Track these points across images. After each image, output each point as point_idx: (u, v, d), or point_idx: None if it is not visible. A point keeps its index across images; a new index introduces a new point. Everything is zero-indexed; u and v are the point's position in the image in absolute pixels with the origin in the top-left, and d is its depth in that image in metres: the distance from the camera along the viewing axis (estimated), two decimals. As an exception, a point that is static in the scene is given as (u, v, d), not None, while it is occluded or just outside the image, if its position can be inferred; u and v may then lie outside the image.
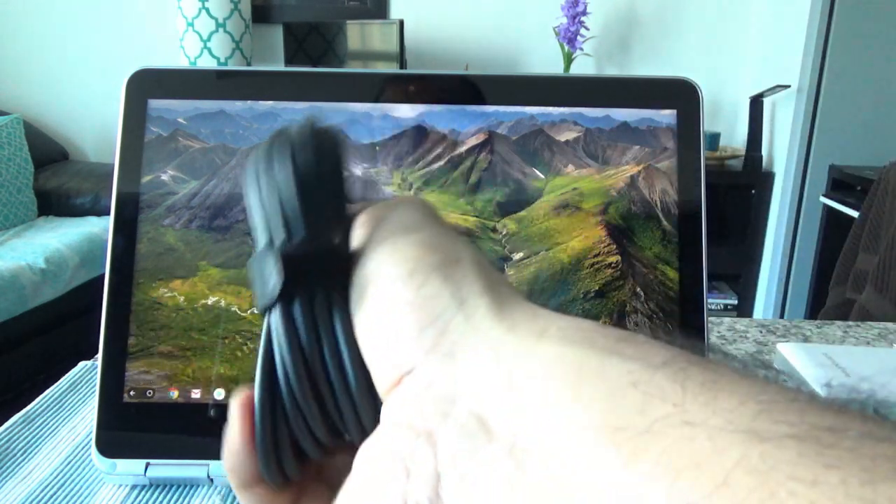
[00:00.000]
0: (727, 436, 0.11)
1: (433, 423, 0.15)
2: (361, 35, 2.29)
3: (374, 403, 0.17)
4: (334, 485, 0.18)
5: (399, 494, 0.15)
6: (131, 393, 0.37)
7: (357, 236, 0.20)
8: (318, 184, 0.18)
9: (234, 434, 0.18)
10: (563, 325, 0.16)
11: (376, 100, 0.39)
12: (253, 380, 0.18)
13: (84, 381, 0.48)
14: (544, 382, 0.14)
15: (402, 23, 2.22)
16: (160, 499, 0.36)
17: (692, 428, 0.12)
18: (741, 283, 2.34)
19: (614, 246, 0.39)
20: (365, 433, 0.17)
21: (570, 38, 2.20)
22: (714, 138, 2.32)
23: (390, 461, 0.16)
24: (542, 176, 0.40)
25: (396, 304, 0.17)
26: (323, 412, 0.18)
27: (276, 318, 0.18)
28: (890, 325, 0.66)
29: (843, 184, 1.93)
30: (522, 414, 0.14)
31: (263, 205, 0.18)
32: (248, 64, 2.24)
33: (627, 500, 0.12)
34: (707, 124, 2.34)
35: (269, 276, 0.18)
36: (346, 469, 0.17)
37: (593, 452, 0.13)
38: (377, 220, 0.19)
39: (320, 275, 0.18)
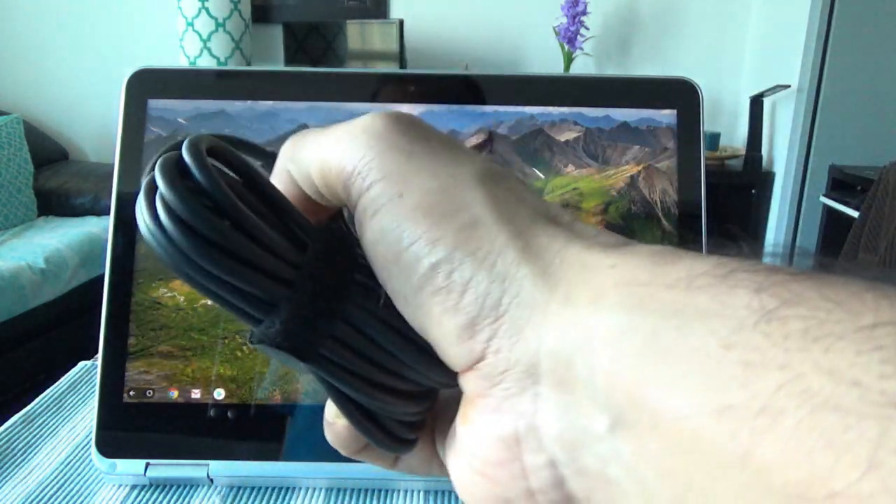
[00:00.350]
0: (854, 405, 0.10)
1: (526, 409, 0.15)
2: (361, 35, 2.29)
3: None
4: (438, 416, 0.19)
5: (525, 497, 0.15)
6: (131, 393, 0.37)
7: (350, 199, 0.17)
8: (256, 238, 0.15)
9: (338, 425, 0.19)
10: (621, 278, 0.14)
11: (376, 100, 0.39)
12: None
13: (84, 381, 0.48)
14: (620, 362, 0.13)
15: (402, 22, 2.22)
16: (160, 499, 0.36)
17: (812, 399, 0.10)
18: (741, 283, 2.34)
19: (614, 246, 0.39)
20: (451, 380, 0.17)
21: (570, 38, 2.20)
22: (714, 138, 2.32)
23: (503, 459, 0.15)
24: (542, 176, 0.40)
25: (434, 303, 0.15)
26: (408, 398, 0.18)
27: (318, 369, 0.17)
28: (890, 325, 0.65)
29: (843, 184, 1.93)
30: (611, 397, 0.13)
31: (217, 295, 0.15)
32: (248, 64, 2.24)
33: (756, 490, 0.10)
34: (707, 124, 2.34)
35: (287, 360, 0.16)
36: (448, 402, 0.18)
37: (703, 439, 0.11)
38: (353, 176, 0.16)
39: (330, 316, 0.16)
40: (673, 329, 0.12)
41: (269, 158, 0.19)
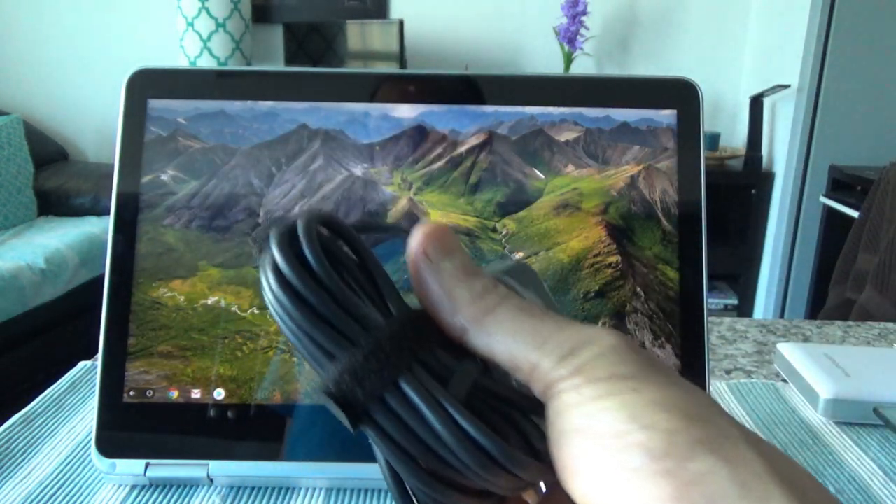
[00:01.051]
0: None
1: None
2: (361, 35, 2.29)
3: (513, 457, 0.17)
4: None
5: None
6: (131, 393, 0.37)
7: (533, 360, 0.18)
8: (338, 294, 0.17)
9: None
10: None
11: (376, 100, 0.39)
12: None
13: (84, 381, 0.48)
14: None
15: (402, 22, 2.22)
16: (160, 499, 0.36)
17: None
18: (741, 283, 2.34)
19: (614, 246, 0.39)
20: (517, 482, 0.17)
21: (570, 38, 2.20)
22: (714, 138, 2.32)
23: None
24: (542, 176, 0.40)
25: (651, 482, 0.15)
26: (461, 490, 0.18)
27: (371, 435, 0.17)
28: (890, 325, 0.66)
29: (843, 184, 1.93)
30: None
31: (297, 338, 0.17)
32: (248, 64, 2.24)
33: None
34: (707, 124, 2.34)
35: (340, 416, 0.17)
36: None
37: None
38: (571, 354, 0.18)
39: (382, 378, 0.17)
40: None
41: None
